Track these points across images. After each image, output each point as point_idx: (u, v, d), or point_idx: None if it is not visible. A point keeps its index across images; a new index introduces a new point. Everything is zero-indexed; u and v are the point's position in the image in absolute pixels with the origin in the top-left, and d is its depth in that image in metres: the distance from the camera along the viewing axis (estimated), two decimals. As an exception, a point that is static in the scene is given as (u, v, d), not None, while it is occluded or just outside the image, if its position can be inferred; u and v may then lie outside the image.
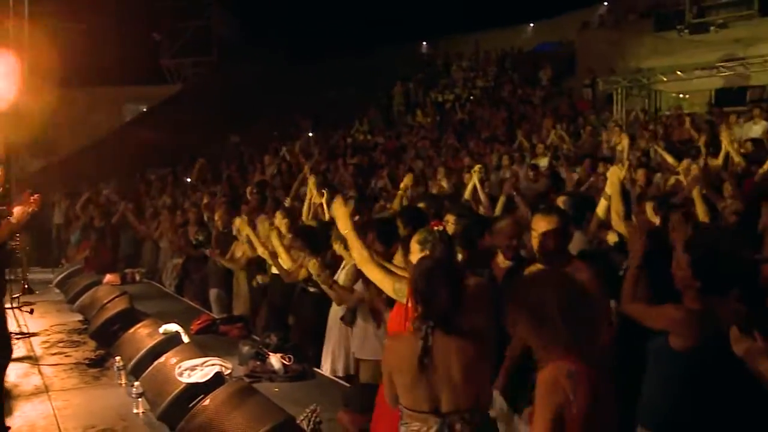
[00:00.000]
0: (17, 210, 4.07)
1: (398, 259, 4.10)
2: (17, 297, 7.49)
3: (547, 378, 2.32)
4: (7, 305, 6.08)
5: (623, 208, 4.88)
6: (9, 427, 4.02)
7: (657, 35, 18.22)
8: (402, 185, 7.38)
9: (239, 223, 6.88)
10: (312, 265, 5.14)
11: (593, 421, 2.28)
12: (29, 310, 7.24)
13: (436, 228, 3.88)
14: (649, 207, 5.45)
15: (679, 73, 15.65)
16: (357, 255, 3.83)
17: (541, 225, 3.70)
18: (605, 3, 22.59)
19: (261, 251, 6.47)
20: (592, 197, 6.53)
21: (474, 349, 2.82)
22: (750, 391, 3.00)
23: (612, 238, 5.08)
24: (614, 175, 4.97)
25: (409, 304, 3.20)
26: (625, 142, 8.09)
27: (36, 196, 4.33)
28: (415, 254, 3.88)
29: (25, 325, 6.63)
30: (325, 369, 5.27)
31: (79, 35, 20.32)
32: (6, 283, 4.29)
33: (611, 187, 4.95)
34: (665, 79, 16.19)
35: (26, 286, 8.16)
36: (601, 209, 5.10)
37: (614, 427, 2.40)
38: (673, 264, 3.51)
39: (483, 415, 2.92)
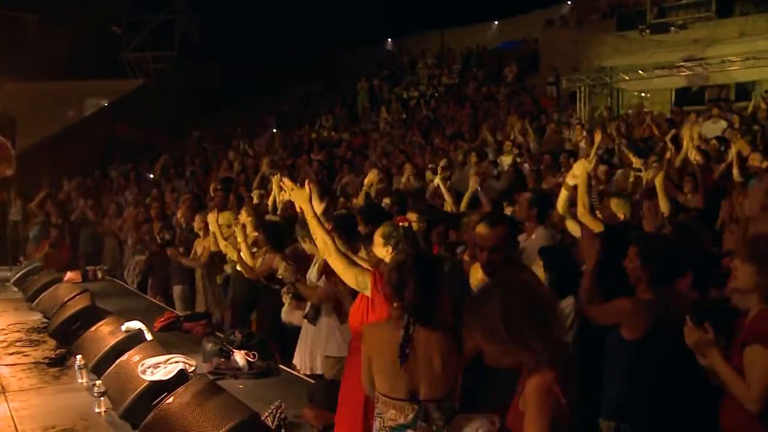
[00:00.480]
0: None
1: (377, 252, 4.08)
2: None
3: (540, 385, 2.32)
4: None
5: (589, 201, 4.89)
6: None
7: (619, 35, 18.49)
8: (366, 181, 7.41)
9: (210, 219, 6.80)
10: (280, 266, 5.17)
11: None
12: None
13: (401, 224, 3.89)
14: (613, 202, 5.54)
15: (640, 72, 15.94)
16: (320, 243, 3.77)
17: (488, 239, 3.50)
18: (569, 2, 22.86)
19: (224, 247, 6.42)
20: (555, 194, 6.62)
21: (451, 340, 2.88)
22: (699, 380, 3.09)
23: (574, 229, 5.10)
24: (581, 167, 4.94)
25: (371, 296, 3.21)
26: (598, 137, 8.18)
27: None
28: (378, 247, 3.90)
29: (-19, 323, 6.47)
30: (304, 368, 5.24)
31: (37, 27, 19.91)
32: None
33: (578, 180, 4.89)
34: (627, 78, 16.48)
35: None
36: (561, 202, 5.12)
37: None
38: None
39: (453, 403, 2.97)
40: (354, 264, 3.72)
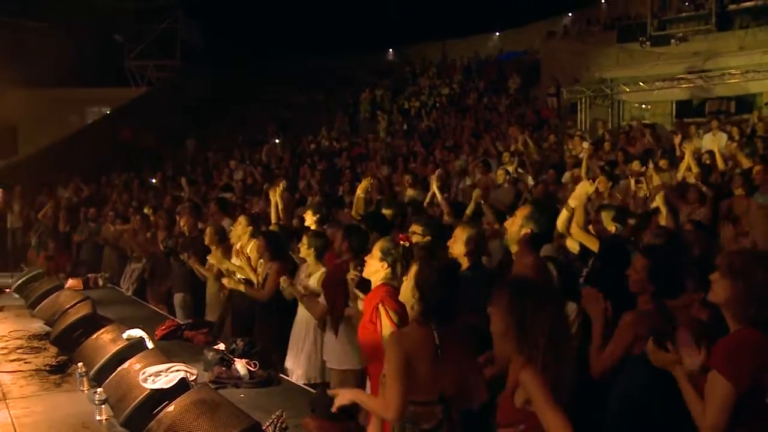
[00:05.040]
0: None
1: (371, 264, 4.08)
2: None
3: (536, 374, 2.48)
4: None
5: (584, 220, 4.96)
6: None
7: (620, 47, 18.58)
8: (360, 187, 7.31)
9: (214, 260, 6.83)
10: (283, 282, 5.26)
11: None
12: None
13: (402, 242, 3.90)
14: (606, 216, 5.58)
15: (641, 84, 15.99)
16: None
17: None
18: (570, 14, 22.96)
19: (234, 284, 6.45)
20: (556, 206, 6.63)
21: (472, 340, 3.03)
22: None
23: (573, 246, 5.16)
24: (583, 189, 4.91)
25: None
26: (586, 151, 8.25)
27: None
28: (375, 260, 3.89)
29: (-18, 330, 6.48)
30: (298, 376, 5.26)
31: (40, 35, 19.99)
32: None
33: (576, 200, 4.90)
34: (628, 90, 16.53)
35: None
36: (561, 220, 5.08)
37: None
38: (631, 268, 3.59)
39: (473, 403, 3.05)
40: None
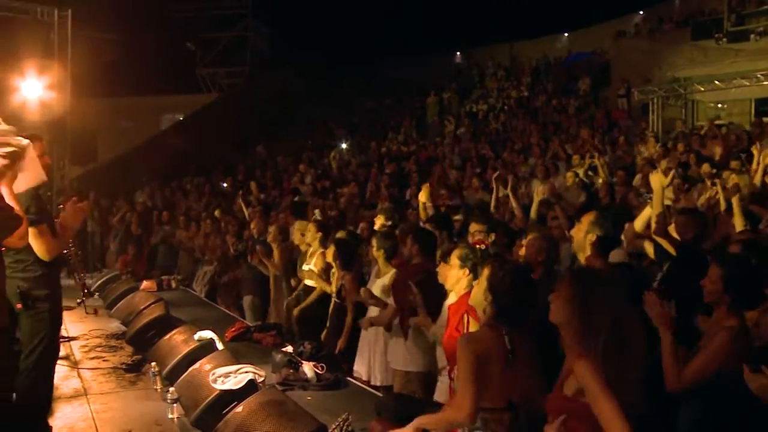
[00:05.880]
0: (67, 216, 4.16)
1: (452, 274, 4.06)
2: (81, 301, 7.73)
3: (592, 367, 2.43)
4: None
5: (664, 219, 4.67)
6: (51, 427, 4.11)
7: (694, 44, 17.97)
8: (421, 195, 7.25)
9: (308, 274, 6.97)
10: (363, 293, 5.27)
11: None
12: (93, 311, 7.57)
13: (478, 246, 3.88)
14: (681, 219, 5.33)
15: (717, 82, 15.43)
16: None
17: None
18: (641, 12, 22.37)
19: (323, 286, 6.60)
20: (629, 210, 6.46)
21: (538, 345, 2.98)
22: None
23: (648, 249, 4.93)
24: (657, 181, 4.73)
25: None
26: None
27: (84, 203, 4.43)
28: (455, 269, 3.87)
29: (66, 329, 6.75)
30: (368, 379, 5.32)
31: (118, 46, 20.75)
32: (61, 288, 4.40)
33: (654, 196, 4.72)
34: (702, 89, 15.98)
35: (86, 290, 8.31)
36: (641, 220, 4.93)
37: None
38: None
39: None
40: None
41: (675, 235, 4.79)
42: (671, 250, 4.67)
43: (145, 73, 22.06)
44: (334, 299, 6.25)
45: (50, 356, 4.11)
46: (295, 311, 6.87)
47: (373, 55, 25.83)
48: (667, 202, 6.97)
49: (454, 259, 3.90)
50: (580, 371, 2.40)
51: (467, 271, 3.85)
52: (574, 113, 18.29)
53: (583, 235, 4.09)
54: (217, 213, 11.20)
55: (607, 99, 19.20)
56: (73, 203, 4.21)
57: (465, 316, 3.66)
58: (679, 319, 3.42)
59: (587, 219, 4.14)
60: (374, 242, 5.64)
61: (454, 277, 3.93)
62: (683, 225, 4.93)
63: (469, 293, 3.76)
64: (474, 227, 5.39)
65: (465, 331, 3.63)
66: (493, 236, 5.12)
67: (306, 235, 7.10)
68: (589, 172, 10.95)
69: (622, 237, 5.04)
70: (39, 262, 3.91)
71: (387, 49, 25.85)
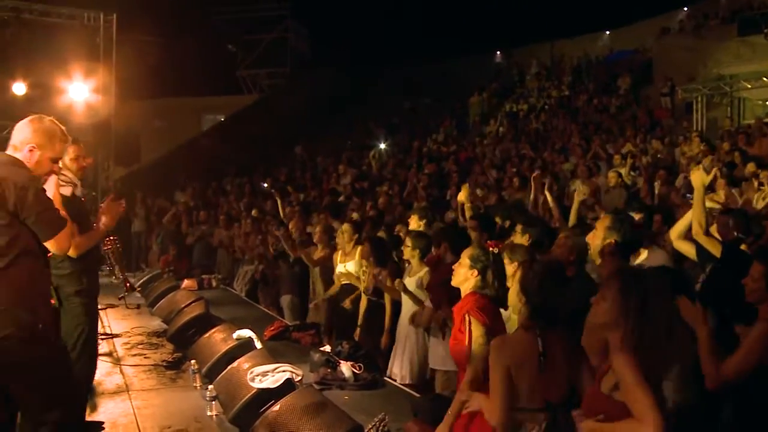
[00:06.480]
0: (103, 213, 4.25)
1: (460, 272, 4.03)
2: (123, 296, 7.82)
3: (629, 360, 2.39)
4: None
5: (704, 219, 4.47)
6: (102, 423, 4.20)
7: (741, 40, 17.53)
8: (461, 195, 7.18)
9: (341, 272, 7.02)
10: (398, 284, 5.33)
11: None
12: (136, 306, 7.75)
13: (491, 249, 3.81)
14: (723, 219, 5.18)
15: (765, 79, 15.05)
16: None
17: None
18: (686, 8, 21.93)
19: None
20: (670, 210, 6.34)
21: (574, 343, 2.90)
22: None
23: (689, 251, 4.77)
24: (698, 179, 4.48)
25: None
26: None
27: (122, 200, 4.51)
28: (464, 268, 3.80)
29: (109, 326, 6.90)
30: (402, 378, 5.32)
31: (161, 49, 21.14)
32: (99, 286, 4.49)
33: (695, 193, 4.51)
34: (749, 87, 15.60)
35: (128, 284, 8.46)
36: (684, 221, 4.69)
37: None
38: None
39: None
40: None
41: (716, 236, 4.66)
42: (714, 251, 4.53)
43: (186, 75, 22.45)
44: (368, 297, 6.25)
45: (90, 351, 4.21)
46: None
47: (412, 55, 25.81)
48: (715, 205, 6.81)
49: (465, 259, 3.83)
50: (619, 363, 2.37)
51: (476, 272, 3.77)
52: (615, 112, 18.02)
53: (600, 242, 3.97)
54: (254, 212, 11.30)
55: (648, 98, 18.86)
56: (110, 200, 4.31)
57: (466, 316, 3.63)
58: (719, 323, 3.36)
59: (602, 224, 4.02)
60: (408, 242, 5.62)
61: (462, 275, 3.81)
62: (725, 225, 4.80)
63: (473, 294, 3.72)
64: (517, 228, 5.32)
65: (467, 332, 3.58)
66: (528, 236, 5.04)
67: (342, 235, 7.12)
68: (632, 173, 10.79)
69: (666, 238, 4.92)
70: (68, 259, 3.99)
71: (427, 49, 25.81)
